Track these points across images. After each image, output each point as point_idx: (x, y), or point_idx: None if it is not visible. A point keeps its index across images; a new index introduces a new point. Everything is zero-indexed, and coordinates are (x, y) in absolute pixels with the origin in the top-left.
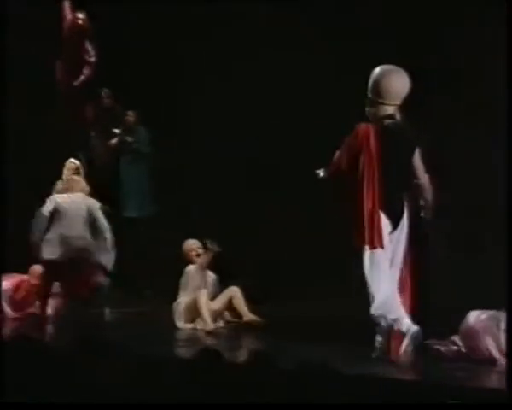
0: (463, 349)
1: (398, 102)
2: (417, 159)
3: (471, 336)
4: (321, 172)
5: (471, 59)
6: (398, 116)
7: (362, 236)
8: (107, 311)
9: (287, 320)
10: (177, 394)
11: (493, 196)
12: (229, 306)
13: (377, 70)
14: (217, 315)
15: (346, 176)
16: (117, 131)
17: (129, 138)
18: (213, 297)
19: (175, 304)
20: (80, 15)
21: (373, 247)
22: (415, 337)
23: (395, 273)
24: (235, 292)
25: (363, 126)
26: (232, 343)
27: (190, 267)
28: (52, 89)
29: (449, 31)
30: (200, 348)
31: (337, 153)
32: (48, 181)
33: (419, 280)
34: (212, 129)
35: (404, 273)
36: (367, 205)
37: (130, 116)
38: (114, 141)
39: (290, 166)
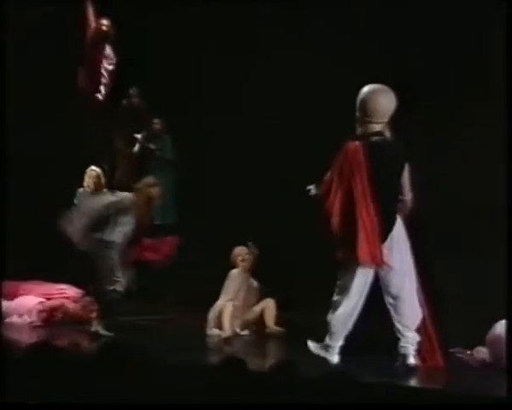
0: (489, 359)
1: (386, 120)
2: (405, 176)
3: (498, 346)
4: (312, 189)
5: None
6: (386, 133)
7: (364, 252)
8: (130, 318)
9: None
10: (195, 400)
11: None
12: (261, 316)
13: (364, 90)
14: (248, 324)
15: (336, 194)
16: (138, 136)
17: (152, 145)
18: (252, 305)
19: (211, 309)
20: (104, 22)
21: (376, 264)
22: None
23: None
24: (268, 304)
25: (351, 145)
26: (254, 351)
27: (234, 271)
28: (70, 92)
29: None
30: (221, 355)
31: (328, 172)
32: (70, 188)
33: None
34: (237, 137)
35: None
36: (366, 222)
37: (157, 123)
38: (137, 148)
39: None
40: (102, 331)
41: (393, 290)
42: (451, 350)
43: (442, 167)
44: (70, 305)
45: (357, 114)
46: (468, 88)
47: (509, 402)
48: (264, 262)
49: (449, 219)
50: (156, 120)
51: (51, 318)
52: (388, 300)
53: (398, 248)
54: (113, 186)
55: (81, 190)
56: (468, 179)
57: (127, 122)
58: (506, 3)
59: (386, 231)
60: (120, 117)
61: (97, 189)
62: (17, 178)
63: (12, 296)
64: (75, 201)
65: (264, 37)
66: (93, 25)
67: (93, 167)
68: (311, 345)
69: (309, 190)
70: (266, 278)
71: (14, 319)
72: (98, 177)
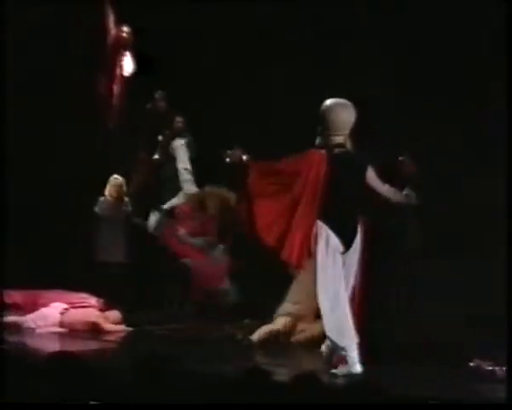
0: None
1: (347, 132)
2: (371, 177)
3: None
4: (245, 160)
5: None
6: (348, 144)
7: (291, 253)
8: (154, 328)
9: None
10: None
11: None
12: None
13: (324, 104)
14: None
15: (279, 196)
16: (160, 138)
17: (174, 150)
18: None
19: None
20: (125, 29)
21: (297, 266)
22: (349, 375)
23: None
24: None
25: (316, 153)
26: (281, 361)
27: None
28: (71, 94)
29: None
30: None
31: (282, 162)
32: (90, 197)
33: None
34: (256, 140)
35: (357, 294)
36: (301, 227)
37: (179, 122)
38: (160, 154)
39: None
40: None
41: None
42: (472, 364)
43: (442, 168)
44: (92, 314)
45: (319, 127)
46: (468, 87)
47: (508, 403)
48: None
49: (450, 219)
50: (179, 119)
51: (73, 327)
52: None
53: (350, 259)
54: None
55: (103, 198)
56: (468, 179)
57: (152, 127)
58: (506, 3)
59: (342, 238)
60: (145, 122)
61: (119, 198)
62: (29, 188)
63: (32, 305)
64: (96, 209)
65: (286, 39)
66: (113, 32)
67: (116, 176)
68: (336, 371)
69: (237, 157)
70: None
71: (36, 328)
72: (121, 186)
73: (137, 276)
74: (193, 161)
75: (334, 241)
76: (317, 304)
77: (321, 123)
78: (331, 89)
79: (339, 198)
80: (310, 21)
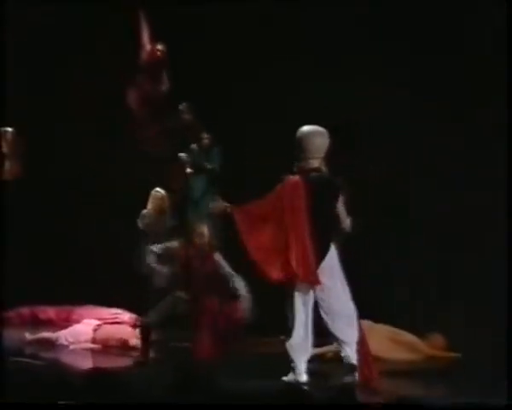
0: None
1: (322, 155)
2: (340, 205)
3: None
4: (228, 209)
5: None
6: (323, 168)
7: (302, 272)
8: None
9: None
10: None
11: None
12: None
13: (300, 131)
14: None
15: (266, 224)
16: (183, 156)
17: (206, 164)
18: None
19: None
20: (159, 47)
21: (311, 282)
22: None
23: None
24: None
25: (292, 179)
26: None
27: None
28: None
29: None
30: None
31: (264, 198)
32: (129, 212)
33: None
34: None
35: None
36: (301, 248)
37: (206, 138)
38: (189, 167)
39: None
40: None
41: (328, 309)
42: None
43: (443, 167)
44: (125, 330)
45: (296, 151)
46: (468, 87)
47: (508, 403)
48: None
49: (451, 219)
50: (206, 135)
51: (105, 343)
52: (325, 317)
53: (331, 273)
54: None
55: (145, 211)
56: (469, 179)
57: (179, 139)
58: (506, 3)
59: (320, 257)
60: (172, 135)
61: (161, 211)
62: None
63: (64, 321)
64: (139, 223)
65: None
66: (148, 48)
67: (158, 189)
68: (284, 378)
69: (224, 207)
70: None
71: (69, 344)
72: (163, 199)
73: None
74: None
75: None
76: None
77: (296, 148)
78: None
79: (316, 221)
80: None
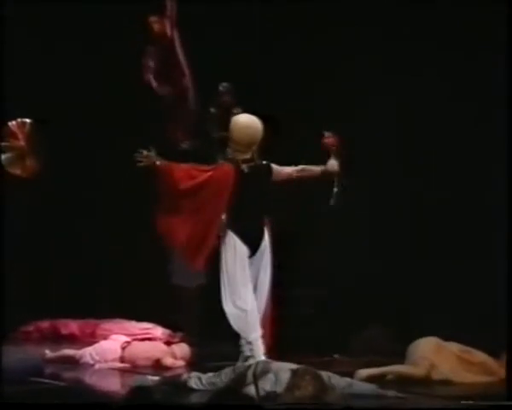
0: None
1: (254, 148)
2: (276, 171)
3: None
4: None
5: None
6: (255, 157)
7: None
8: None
9: None
10: None
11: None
12: None
13: (232, 122)
14: None
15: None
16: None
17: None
18: None
19: None
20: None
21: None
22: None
23: (260, 300)
24: None
25: (225, 166)
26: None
27: None
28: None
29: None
30: None
31: (194, 168)
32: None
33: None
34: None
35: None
36: (211, 235)
37: None
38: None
39: None
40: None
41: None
42: None
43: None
44: (157, 348)
45: (229, 142)
46: (469, 87)
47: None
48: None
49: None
50: (239, 110)
51: (135, 362)
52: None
53: (258, 262)
54: None
55: None
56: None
57: (218, 123)
58: (506, 3)
59: (248, 243)
60: (210, 118)
61: None
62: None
63: (89, 337)
64: None
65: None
66: (169, 33)
67: None
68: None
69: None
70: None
71: (95, 363)
72: None
73: (211, 303)
74: None
75: (242, 247)
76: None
77: (230, 138)
78: None
79: (244, 207)
80: None
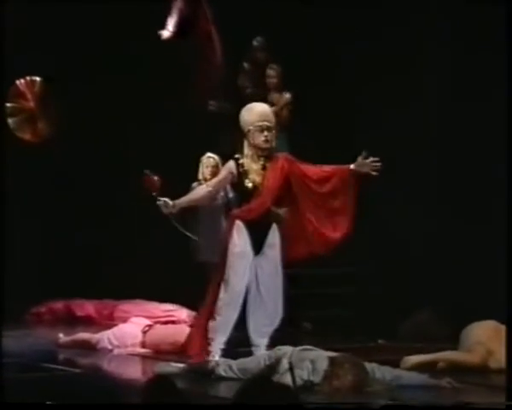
0: None
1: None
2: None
3: None
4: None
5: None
6: None
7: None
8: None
9: None
10: None
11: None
12: None
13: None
14: None
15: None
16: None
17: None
18: None
19: None
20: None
21: None
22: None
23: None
24: None
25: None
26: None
27: None
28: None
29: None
30: None
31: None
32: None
33: None
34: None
35: None
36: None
37: (273, 77)
38: None
39: None
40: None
41: None
42: None
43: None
44: (181, 331)
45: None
46: (469, 86)
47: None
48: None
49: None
50: (274, 66)
51: (158, 348)
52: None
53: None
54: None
55: (196, 183)
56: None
57: (251, 79)
58: (506, 3)
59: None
60: (243, 74)
61: None
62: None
63: (107, 320)
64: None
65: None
66: (206, 28)
67: (210, 154)
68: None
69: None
70: None
71: (113, 348)
72: (217, 166)
73: None
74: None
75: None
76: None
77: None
78: None
79: None
80: None
